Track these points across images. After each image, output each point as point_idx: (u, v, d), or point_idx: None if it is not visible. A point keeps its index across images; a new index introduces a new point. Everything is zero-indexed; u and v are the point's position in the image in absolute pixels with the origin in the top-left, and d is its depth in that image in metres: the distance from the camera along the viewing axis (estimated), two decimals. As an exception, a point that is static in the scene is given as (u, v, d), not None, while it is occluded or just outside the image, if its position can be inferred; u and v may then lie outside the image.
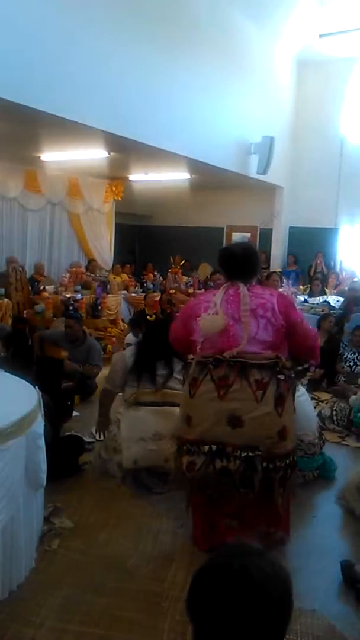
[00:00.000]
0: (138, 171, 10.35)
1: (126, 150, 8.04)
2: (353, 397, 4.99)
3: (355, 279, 9.47)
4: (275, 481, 2.69)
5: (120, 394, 4.01)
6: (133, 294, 9.63)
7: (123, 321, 9.07)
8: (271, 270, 10.79)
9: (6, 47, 5.03)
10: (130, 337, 7.98)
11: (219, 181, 10.63)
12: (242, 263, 2.97)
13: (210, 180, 10.47)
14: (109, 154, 8.43)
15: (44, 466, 2.85)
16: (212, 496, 2.78)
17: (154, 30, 7.00)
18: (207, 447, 2.73)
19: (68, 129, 6.58)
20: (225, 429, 2.70)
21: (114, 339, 7.84)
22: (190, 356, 2.91)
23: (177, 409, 3.74)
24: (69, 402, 4.54)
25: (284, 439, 2.72)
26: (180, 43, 7.49)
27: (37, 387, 3.07)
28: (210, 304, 2.87)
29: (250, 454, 2.66)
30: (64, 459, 3.71)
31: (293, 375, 2.86)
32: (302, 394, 3.66)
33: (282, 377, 2.72)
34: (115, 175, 10.83)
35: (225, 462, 2.68)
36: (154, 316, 8.70)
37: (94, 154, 8.48)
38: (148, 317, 8.60)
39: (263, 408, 2.68)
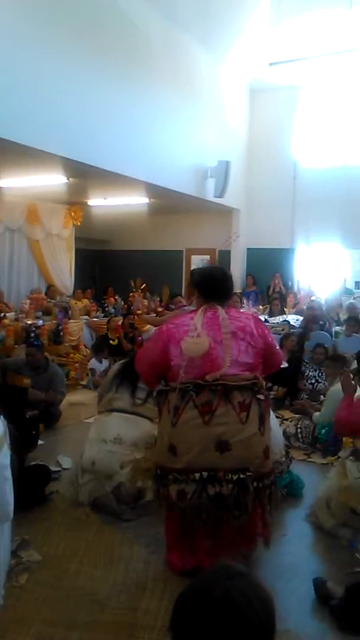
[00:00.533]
0: (97, 196, 10.39)
1: (85, 175, 8.09)
2: (316, 414, 5.06)
3: (313, 298, 9.67)
4: (264, 498, 2.75)
5: None
6: (95, 319, 9.58)
7: (85, 347, 9.01)
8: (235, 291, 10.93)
9: None
10: (93, 362, 7.95)
11: (177, 205, 10.77)
12: (221, 286, 3.01)
13: (168, 204, 10.60)
14: (68, 179, 8.44)
15: (11, 498, 2.76)
16: (205, 521, 2.76)
17: (111, 59, 7.13)
18: (197, 475, 2.72)
19: (26, 155, 6.60)
20: (214, 454, 2.71)
21: (76, 364, 7.78)
22: (165, 384, 2.93)
23: (145, 421, 3.85)
24: (34, 431, 4.46)
25: (268, 457, 2.80)
26: (137, 70, 7.64)
27: (1, 416, 3.00)
28: (188, 327, 2.88)
29: (242, 475, 2.69)
30: (30, 489, 3.63)
31: (268, 394, 2.91)
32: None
33: (261, 397, 2.79)
34: (74, 200, 10.83)
35: (218, 487, 2.69)
36: (116, 340, 8.68)
37: (53, 180, 8.48)
38: (111, 341, 8.59)
39: (249, 429, 2.72)
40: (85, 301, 10.47)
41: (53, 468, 4.23)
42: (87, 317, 9.57)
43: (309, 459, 4.82)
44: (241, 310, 3.90)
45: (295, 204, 10.88)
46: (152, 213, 11.40)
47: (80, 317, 9.39)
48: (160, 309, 8.86)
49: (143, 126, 7.90)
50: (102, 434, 3.85)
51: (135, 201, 10.40)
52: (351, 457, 3.30)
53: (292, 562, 3.13)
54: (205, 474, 2.71)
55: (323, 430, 4.89)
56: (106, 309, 10.13)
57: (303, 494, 3.98)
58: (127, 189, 9.29)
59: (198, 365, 2.80)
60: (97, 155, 7.04)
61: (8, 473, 2.76)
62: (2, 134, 5.60)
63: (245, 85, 11.01)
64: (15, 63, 5.62)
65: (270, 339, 2.99)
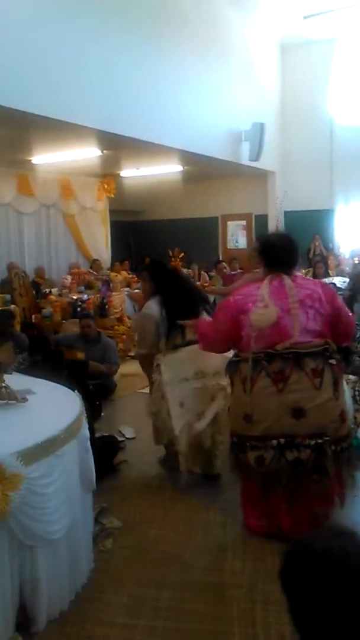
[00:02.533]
0: (129, 167, 10.33)
1: (118, 146, 8.04)
2: (373, 376, 5.04)
3: (357, 260, 9.53)
4: (343, 462, 2.80)
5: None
6: (136, 290, 9.63)
7: (129, 318, 9.09)
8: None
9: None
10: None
11: (211, 171, 10.64)
12: (286, 254, 3.00)
13: (202, 170, 10.48)
14: (102, 152, 8.41)
15: (93, 468, 2.88)
16: (285, 485, 2.83)
17: (138, 26, 6.99)
18: (275, 442, 2.78)
19: (59, 130, 6.59)
20: (290, 421, 2.77)
21: (123, 336, 7.86)
22: (235, 355, 2.98)
23: None
24: (97, 402, 4.56)
25: (344, 420, 2.83)
26: (165, 35, 7.49)
27: (77, 391, 3.09)
28: (256, 297, 2.89)
29: (319, 440, 2.75)
30: (101, 459, 3.73)
31: (340, 359, 2.91)
32: None
33: (333, 361, 2.81)
34: (107, 173, 10.80)
35: (297, 452, 2.76)
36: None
37: (87, 153, 8.46)
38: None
39: (323, 395, 2.77)
40: (124, 273, 10.53)
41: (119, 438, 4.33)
42: (128, 289, 9.64)
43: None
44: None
45: (333, 163, 10.64)
46: (185, 181, 11.29)
47: (122, 289, 9.46)
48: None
49: (174, 92, 7.76)
50: (180, 373, 3.57)
51: (168, 170, 10.30)
52: None
53: None
54: (282, 440, 2.78)
55: (381, 392, 4.86)
56: (146, 280, 10.16)
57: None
58: (160, 158, 9.20)
59: (268, 334, 2.83)
60: (130, 125, 6.97)
61: (89, 445, 2.87)
62: (33, 110, 5.57)
63: (277, 41, 10.68)
64: (42, 35, 5.55)
65: (338, 305, 2.98)
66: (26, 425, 2.60)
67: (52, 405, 2.89)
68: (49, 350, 4.62)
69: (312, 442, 2.74)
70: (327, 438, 2.75)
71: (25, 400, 2.84)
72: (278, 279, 2.93)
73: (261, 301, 2.86)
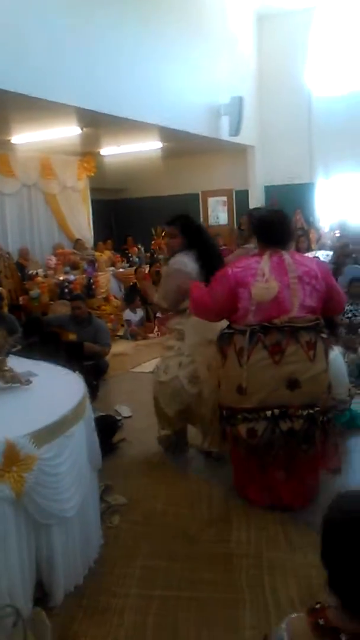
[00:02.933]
0: (110, 144, 10.21)
1: (98, 124, 7.95)
2: (361, 347, 5.16)
3: (337, 233, 9.62)
4: (330, 430, 2.94)
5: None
6: (121, 270, 9.63)
7: (115, 298, 9.09)
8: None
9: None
10: (128, 313, 8.07)
11: (191, 147, 10.57)
12: (282, 231, 3.07)
13: (182, 146, 10.41)
14: (82, 129, 8.30)
15: (98, 448, 2.95)
16: (276, 456, 2.92)
17: (117, 2, 6.87)
18: (268, 413, 2.87)
19: (38, 108, 6.49)
20: (285, 392, 2.86)
21: (111, 316, 7.87)
22: (228, 327, 3.06)
23: None
24: (94, 383, 4.60)
25: (330, 391, 2.96)
26: (143, 11, 7.38)
27: (78, 373, 3.13)
28: (256, 271, 2.95)
29: (311, 411, 2.85)
30: (102, 439, 3.78)
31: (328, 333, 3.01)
32: (336, 353, 3.76)
33: (324, 335, 2.92)
34: (87, 151, 10.67)
35: (290, 423, 2.85)
36: (145, 289, 8.76)
37: (67, 132, 8.34)
38: (140, 290, 8.66)
39: (317, 367, 2.87)
40: (108, 253, 10.49)
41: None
42: (113, 268, 9.62)
43: (358, 392, 4.93)
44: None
45: (312, 136, 10.64)
46: (165, 157, 11.21)
47: (107, 268, 9.43)
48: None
49: (152, 68, 7.67)
50: (206, 335, 3.43)
51: (148, 147, 10.22)
52: None
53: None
54: (277, 411, 2.87)
55: (370, 363, 4.99)
56: (130, 259, 10.15)
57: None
58: (140, 135, 9.12)
59: (266, 308, 2.91)
60: (109, 102, 6.89)
61: (94, 424, 2.93)
62: (11, 88, 5.47)
63: (254, 11, 10.57)
64: (18, 13, 5.43)
65: (332, 282, 3.09)
66: (34, 407, 2.64)
67: (56, 387, 2.93)
68: (44, 332, 4.63)
69: (305, 413, 2.85)
70: (317, 408, 2.86)
71: (29, 382, 2.87)
72: (277, 255, 3.00)
73: (262, 276, 2.93)
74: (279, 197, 11.06)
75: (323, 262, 3.38)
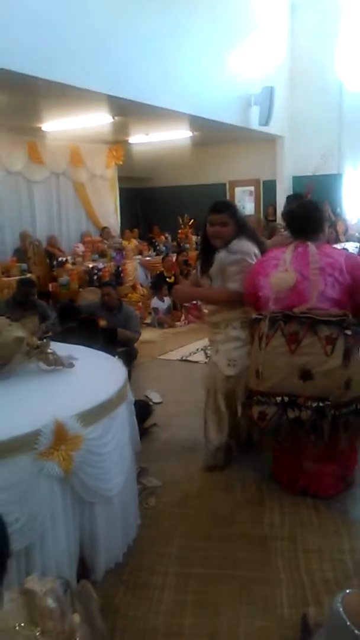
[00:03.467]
0: (138, 133, 10.27)
1: (128, 112, 8.00)
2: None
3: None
4: (340, 426, 2.91)
5: None
6: (148, 258, 9.70)
7: (141, 286, 9.18)
8: (278, 222, 10.85)
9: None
10: (155, 302, 8.14)
11: (220, 136, 10.58)
12: (308, 222, 3.11)
13: (211, 136, 10.41)
14: (113, 118, 8.36)
15: (137, 431, 3.03)
16: (282, 443, 3.00)
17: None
18: (278, 399, 2.93)
19: (68, 96, 6.57)
20: (297, 382, 2.89)
21: (139, 304, 7.96)
22: (257, 313, 3.12)
23: None
24: (128, 369, 4.67)
25: (349, 388, 2.90)
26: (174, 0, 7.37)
27: (116, 357, 3.21)
28: (279, 261, 3.03)
29: (321, 404, 2.86)
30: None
31: (358, 330, 3.00)
32: None
33: (349, 332, 2.90)
34: (115, 140, 10.74)
35: (298, 412, 2.89)
36: (173, 278, 8.82)
37: (98, 120, 8.42)
38: (167, 279, 8.73)
39: (332, 362, 2.86)
40: (135, 241, 10.58)
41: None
42: (139, 256, 9.70)
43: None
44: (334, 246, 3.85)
45: (342, 128, 10.55)
46: (193, 146, 11.23)
47: (134, 257, 9.52)
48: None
49: (184, 57, 7.69)
50: None
51: (177, 135, 10.25)
52: None
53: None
54: (286, 398, 2.91)
55: None
56: (157, 247, 10.21)
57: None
58: (169, 123, 9.15)
59: (285, 297, 2.97)
60: (140, 90, 6.93)
61: (134, 408, 3.02)
62: (43, 75, 5.54)
63: (287, 0, 10.49)
64: (52, 1, 5.50)
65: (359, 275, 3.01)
66: (79, 389, 2.72)
67: (99, 371, 3.01)
68: (81, 318, 4.72)
69: (314, 404, 2.86)
70: (328, 402, 2.86)
71: (72, 365, 2.96)
72: (303, 246, 3.05)
73: (282, 265, 3.00)
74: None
75: (353, 255, 3.37)
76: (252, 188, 12.05)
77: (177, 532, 2.87)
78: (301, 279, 2.96)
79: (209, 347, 4.16)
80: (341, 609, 1.44)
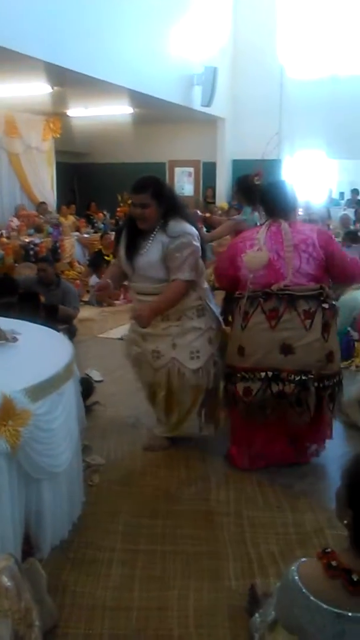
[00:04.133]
0: (77, 105, 9.98)
1: (66, 82, 7.77)
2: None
3: (300, 211, 9.76)
4: (325, 398, 3.03)
5: None
6: (85, 235, 9.50)
7: (78, 263, 8.99)
8: (216, 204, 10.93)
9: None
10: (94, 279, 7.99)
11: (161, 115, 10.46)
12: (275, 202, 3.15)
13: (152, 114, 10.28)
14: (52, 88, 8.08)
15: (83, 407, 2.97)
16: (268, 415, 3.06)
17: None
18: (262, 374, 2.99)
19: (4, 60, 6.29)
20: (278, 357, 2.96)
21: (77, 281, 7.79)
22: (238, 292, 3.12)
23: None
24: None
25: (332, 361, 3.03)
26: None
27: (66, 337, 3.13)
28: (254, 241, 3.05)
29: (304, 377, 2.95)
30: (78, 400, 3.81)
31: (334, 304, 3.11)
32: None
33: (326, 305, 2.99)
34: (53, 111, 10.39)
35: (281, 386, 2.97)
36: (111, 256, 8.68)
37: (36, 89, 8.10)
38: (106, 257, 8.59)
39: (312, 335, 2.95)
40: (72, 217, 10.32)
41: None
42: (77, 233, 9.48)
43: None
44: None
45: (282, 113, 10.70)
46: (134, 124, 11.07)
47: (71, 233, 9.30)
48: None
49: (125, 29, 7.53)
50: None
51: (117, 111, 10.06)
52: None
53: (336, 454, 3.44)
54: (270, 373, 2.98)
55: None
56: (95, 224, 10.02)
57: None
58: (109, 97, 8.96)
59: (262, 275, 3.01)
60: (78, 58, 6.75)
61: (79, 384, 2.95)
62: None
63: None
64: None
65: (332, 249, 3.09)
66: (26, 364, 2.62)
67: (44, 346, 2.93)
68: (21, 293, 4.55)
69: (297, 378, 2.95)
70: (311, 375, 2.96)
71: (15, 339, 2.85)
72: (276, 225, 3.09)
73: (256, 245, 3.03)
74: (247, 171, 11.06)
75: (324, 230, 3.46)
76: (191, 169, 12.03)
77: (122, 510, 2.84)
78: (276, 257, 3.01)
79: (138, 342, 3.37)
80: (297, 577, 1.48)
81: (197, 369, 3.22)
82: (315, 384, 2.98)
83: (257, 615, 1.97)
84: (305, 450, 3.28)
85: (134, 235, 3.20)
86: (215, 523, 2.75)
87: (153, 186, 3.13)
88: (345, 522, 1.42)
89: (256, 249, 3.02)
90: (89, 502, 2.89)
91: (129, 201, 3.20)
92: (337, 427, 3.78)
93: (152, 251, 3.13)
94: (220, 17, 10.35)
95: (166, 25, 8.53)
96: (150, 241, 3.14)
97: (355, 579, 1.36)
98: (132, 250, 3.19)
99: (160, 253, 3.11)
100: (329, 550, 1.45)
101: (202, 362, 3.22)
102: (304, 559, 1.54)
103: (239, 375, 3.07)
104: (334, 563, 1.40)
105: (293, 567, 1.50)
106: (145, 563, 2.45)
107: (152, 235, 3.14)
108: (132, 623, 2.12)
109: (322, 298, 2.98)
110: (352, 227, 8.62)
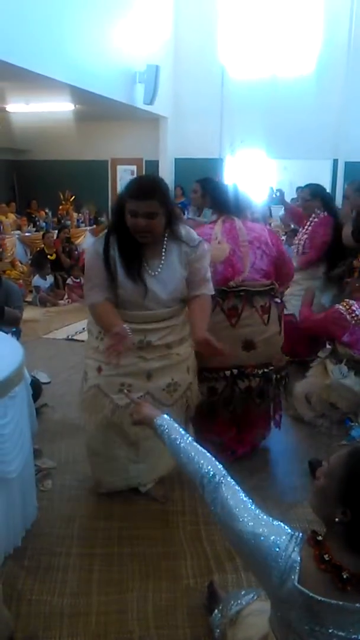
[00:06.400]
0: (17, 101, 9.73)
1: (6, 77, 7.53)
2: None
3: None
4: (281, 387, 3.23)
5: None
6: (27, 234, 9.30)
7: (20, 262, 8.79)
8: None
9: None
10: (37, 280, 7.85)
11: (103, 112, 10.34)
12: (233, 200, 3.23)
13: (94, 111, 10.15)
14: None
15: (34, 411, 2.91)
16: (232, 411, 3.13)
17: None
18: (227, 372, 3.05)
19: None
20: (242, 353, 3.04)
21: (20, 281, 7.61)
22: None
23: None
24: (15, 348, 4.45)
25: (283, 352, 3.19)
26: None
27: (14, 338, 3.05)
28: (210, 236, 3.09)
29: (266, 370, 3.08)
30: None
31: (282, 299, 3.29)
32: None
33: (278, 300, 3.13)
34: (-9, 106, 10.09)
35: (247, 381, 3.06)
36: (54, 255, 8.55)
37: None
38: (49, 256, 8.45)
39: (271, 329, 3.08)
40: (13, 216, 10.07)
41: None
42: (19, 232, 9.26)
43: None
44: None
45: (223, 113, 10.81)
46: (75, 121, 10.88)
47: (12, 232, 9.07)
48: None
49: (64, 23, 7.36)
50: None
51: (59, 107, 9.88)
52: (332, 359, 3.63)
53: (285, 448, 3.53)
54: (235, 371, 3.06)
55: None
56: (37, 223, 9.82)
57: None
58: (50, 93, 8.76)
59: (221, 271, 3.04)
60: (16, 52, 6.52)
61: (30, 387, 2.89)
62: None
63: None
64: None
65: (282, 248, 3.27)
66: (-25, 368, 2.54)
67: (-7, 349, 2.84)
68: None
69: (261, 372, 3.08)
70: (271, 367, 3.10)
71: None
72: (230, 221, 3.17)
73: (215, 239, 3.08)
74: (189, 171, 11.12)
75: (272, 230, 3.59)
76: (134, 167, 11.96)
77: (76, 514, 2.81)
78: (233, 251, 3.09)
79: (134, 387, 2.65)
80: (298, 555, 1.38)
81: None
82: (275, 375, 3.13)
83: (216, 611, 1.98)
84: (255, 437, 3.39)
85: (132, 252, 2.52)
86: (171, 522, 2.76)
87: (160, 189, 2.47)
88: (337, 519, 1.29)
89: (217, 242, 3.07)
90: (42, 508, 2.84)
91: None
92: (284, 421, 3.88)
93: (172, 267, 2.57)
94: (162, 16, 10.33)
95: (109, 21, 8.43)
96: (162, 257, 2.56)
97: (345, 577, 1.33)
98: (139, 271, 2.52)
99: (183, 267, 2.59)
100: (320, 538, 1.35)
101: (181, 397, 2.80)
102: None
103: (202, 375, 3.07)
104: (326, 557, 1.34)
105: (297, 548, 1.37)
106: (102, 566, 2.43)
107: (163, 248, 2.56)
108: (92, 628, 2.10)
109: (272, 293, 3.11)
110: (292, 226, 8.79)
